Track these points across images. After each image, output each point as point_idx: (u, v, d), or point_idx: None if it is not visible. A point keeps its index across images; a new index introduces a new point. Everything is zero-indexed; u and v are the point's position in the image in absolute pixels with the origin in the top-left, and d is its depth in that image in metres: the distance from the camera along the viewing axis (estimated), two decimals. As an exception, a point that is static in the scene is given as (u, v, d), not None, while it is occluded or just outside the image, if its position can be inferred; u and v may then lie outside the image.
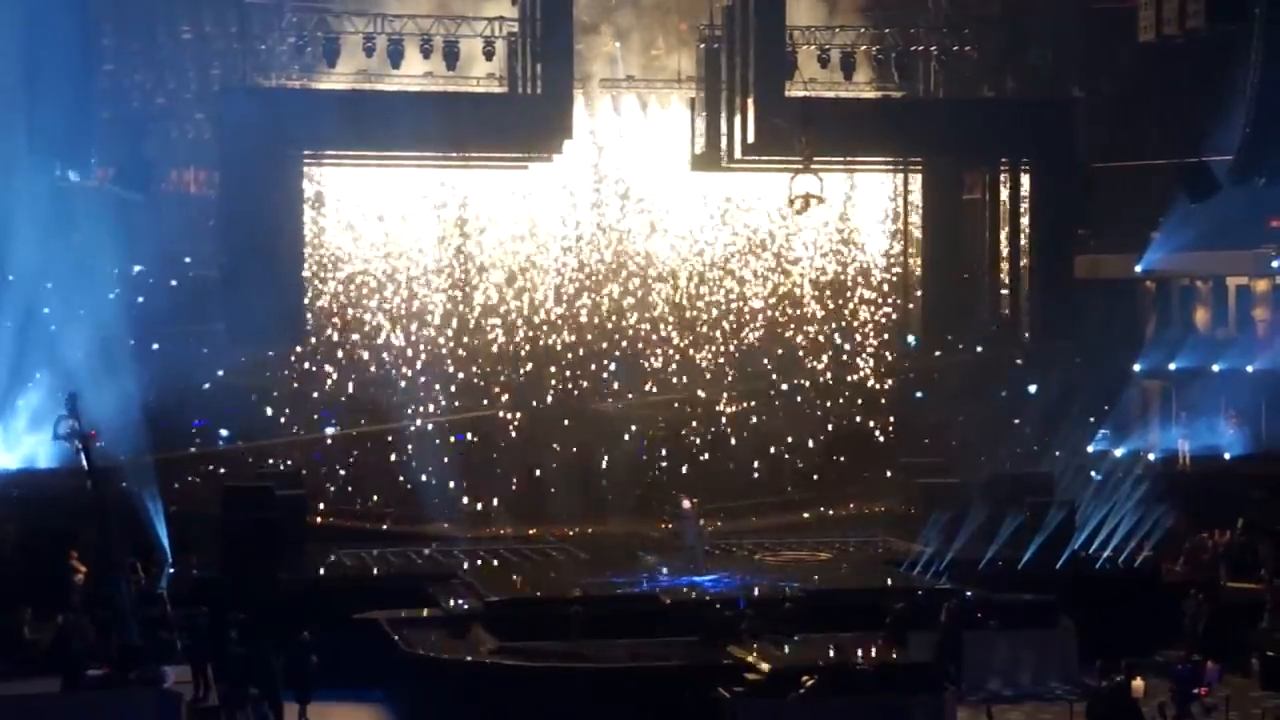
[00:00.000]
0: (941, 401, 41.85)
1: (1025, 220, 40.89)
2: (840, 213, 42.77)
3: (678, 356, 42.11)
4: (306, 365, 40.04)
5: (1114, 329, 41.18)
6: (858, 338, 42.96)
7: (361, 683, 29.56)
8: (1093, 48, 42.60)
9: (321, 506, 38.06)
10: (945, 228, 42.42)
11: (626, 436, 41.07)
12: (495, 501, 39.93)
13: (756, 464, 41.36)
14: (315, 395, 39.84)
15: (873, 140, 41.19)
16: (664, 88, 42.26)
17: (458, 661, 28.23)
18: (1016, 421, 40.36)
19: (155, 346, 37.32)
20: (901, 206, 43.02)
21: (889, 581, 32.89)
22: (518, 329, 41.46)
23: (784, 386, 42.15)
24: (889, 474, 40.39)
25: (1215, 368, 40.31)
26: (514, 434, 40.74)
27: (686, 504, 34.60)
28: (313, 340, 40.01)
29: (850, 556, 36.95)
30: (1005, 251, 41.42)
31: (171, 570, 32.03)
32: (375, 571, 34.21)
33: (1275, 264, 39.64)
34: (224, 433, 38.56)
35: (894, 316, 43.03)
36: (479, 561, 35.40)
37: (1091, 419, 40.41)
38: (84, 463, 28.92)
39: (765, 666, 26.66)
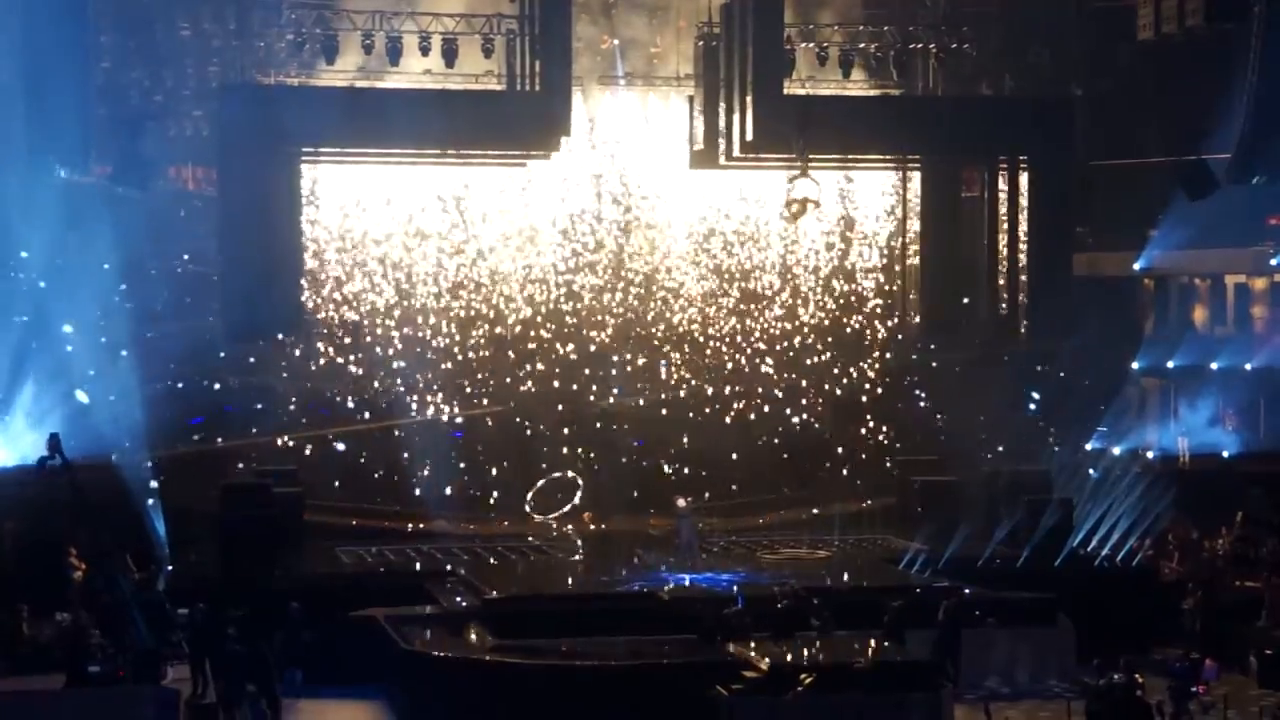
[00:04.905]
0: (940, 399, 41.83)
1: (1024, 218, 40.74)
2: (838, 211, 42.77)
3: (676, 355, 42.08)
4: (304, 362, 40.01)
5: (1112, 327, 41.15)
6: (856, 336, 42.92)
7: (359, 680, 29.58)
8: (1092, 46, 42.59)
9: (320, 504, 37.98)
10: (943, 226, 42.34)
11: (625, 435, 41.04)
12: (494, 499, 39.91)
13: (754, 462, 41.28)
14: (313, 392, 39.81)
15: (871, 138, 41.04)
16: (662, 85, 42.23)
17: (456, 659, 28.22)
18: (1015, 420, 40.33)
19: (154, 344, 37.27)
20: (900, 204, 43.01)
21: (887, 579, 32.86)
22: (515, 327, 41.43)
23: (782, 384, 42.12)
24: (887, 472, 40.37)
25: (1214, 365, 40.29)
26: (512, 432, 40.68)
27: (683, 503, 34.62)
28: (310, 337, 39.98)
29: (848, 554, 36.94)
30: (1004, 249, 41.28)
31: (170, 567, 32.02)
32: (374, 569, 34.21)
33: (1274, 262, 39.62)
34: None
35: (892, 314, 43.02)
36: (477, 559, 35.38)
37: (1090, 417, 40.40)
38: (61, 463, 28.79)
39: (764, 664, 26.66)
